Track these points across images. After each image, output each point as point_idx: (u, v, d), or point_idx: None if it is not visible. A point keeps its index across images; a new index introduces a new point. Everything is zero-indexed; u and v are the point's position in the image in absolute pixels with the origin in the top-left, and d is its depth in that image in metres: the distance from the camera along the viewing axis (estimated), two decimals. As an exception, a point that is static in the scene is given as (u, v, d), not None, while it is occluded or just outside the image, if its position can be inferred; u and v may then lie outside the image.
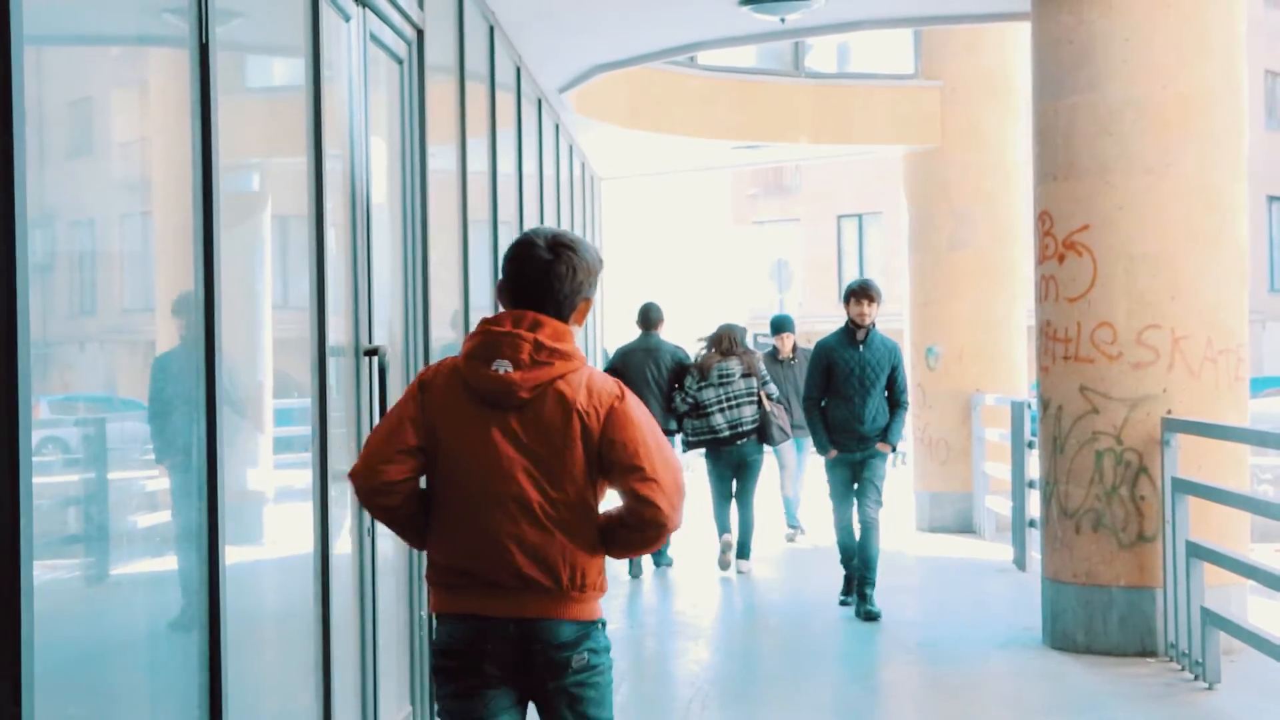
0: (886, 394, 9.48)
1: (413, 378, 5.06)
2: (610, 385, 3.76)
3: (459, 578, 3.73)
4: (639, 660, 8.59)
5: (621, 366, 11.28)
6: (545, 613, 3.71)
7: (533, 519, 3.67)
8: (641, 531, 3.73)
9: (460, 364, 3.74)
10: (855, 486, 9.53)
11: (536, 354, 3.69)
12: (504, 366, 3.68)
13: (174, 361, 3.73)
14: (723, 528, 11.28)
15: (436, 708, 3.88)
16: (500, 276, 3.86)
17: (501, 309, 3.84)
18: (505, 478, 3.67)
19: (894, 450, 9.68)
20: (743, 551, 11.31)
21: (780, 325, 13.21)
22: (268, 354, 4.64)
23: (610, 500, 3.78)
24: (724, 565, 11.22)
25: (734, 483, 11.22)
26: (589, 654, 3.80)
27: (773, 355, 12.95)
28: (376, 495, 3.75)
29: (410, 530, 3.84)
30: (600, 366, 14.36)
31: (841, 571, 9.82)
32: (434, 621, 3.85)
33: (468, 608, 3.72)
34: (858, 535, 9.51)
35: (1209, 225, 8.17)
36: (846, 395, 9.44)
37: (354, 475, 3.80)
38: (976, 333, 14.27)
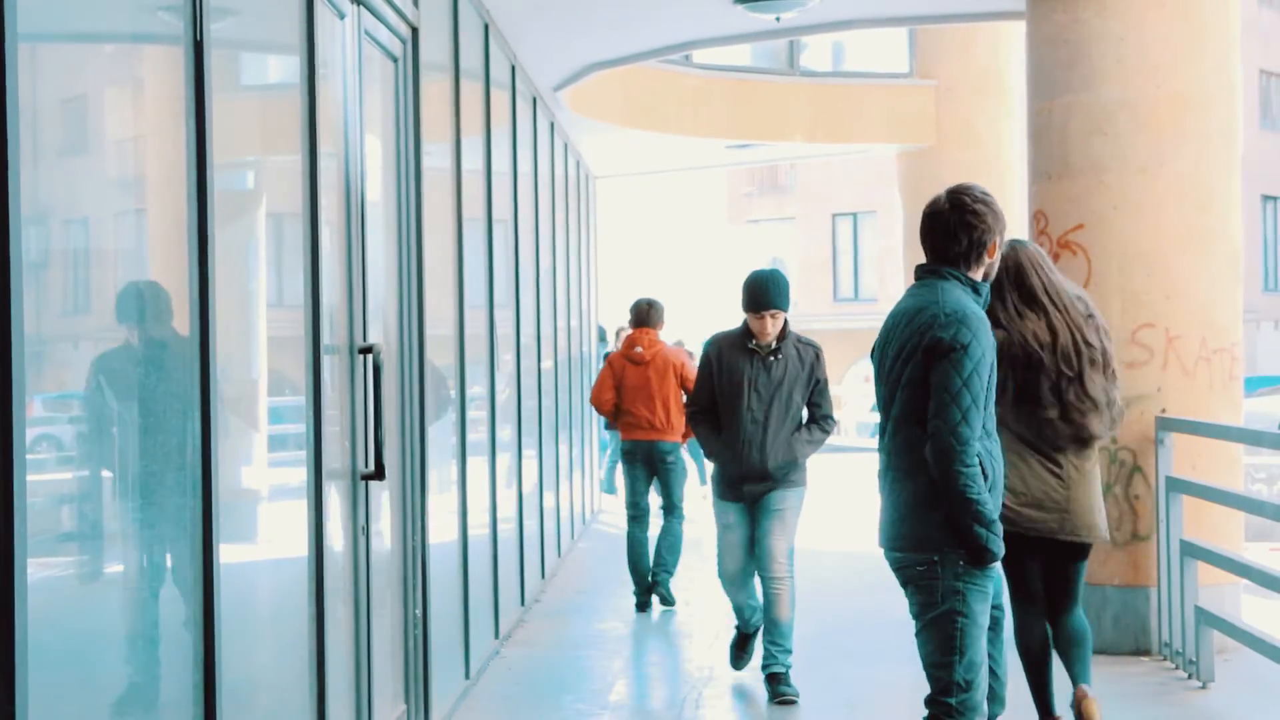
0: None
1: (407, 376, 6.36)
2: (679, 352, 10.12)
3: (630, 426, 9.69)
4: (639, 655, 8.59)
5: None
6: (659, 438, 9.67)
7: (656, 401, 9.61)
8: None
9: (622, 351, 9.81)
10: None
11: (650, 345, 9.75)
12: (639, 349, 9.74)
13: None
14: None
15: (622, 469, 10.01)
16: (631, 317, 10.06)
17: (631, 328, 10.03)
18: (645, 388, 9.64)
19: None
20: None
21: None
22: (262, 352, 4.64)
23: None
24: None
25: None
26: (672, 457, 9.72)
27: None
28: (602, 405, 9.79)
29: (611, 415, 9.81)
30: (597, 359, 15.67)
31: None
32: (620, 441, 10.03)
33: (632, 437, 9.71)
34: None
35: (1203, 225, 8.18)
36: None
37: (593, 400, 9.93)
38: (971, 332, 14.26)
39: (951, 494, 4.46)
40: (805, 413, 7.42)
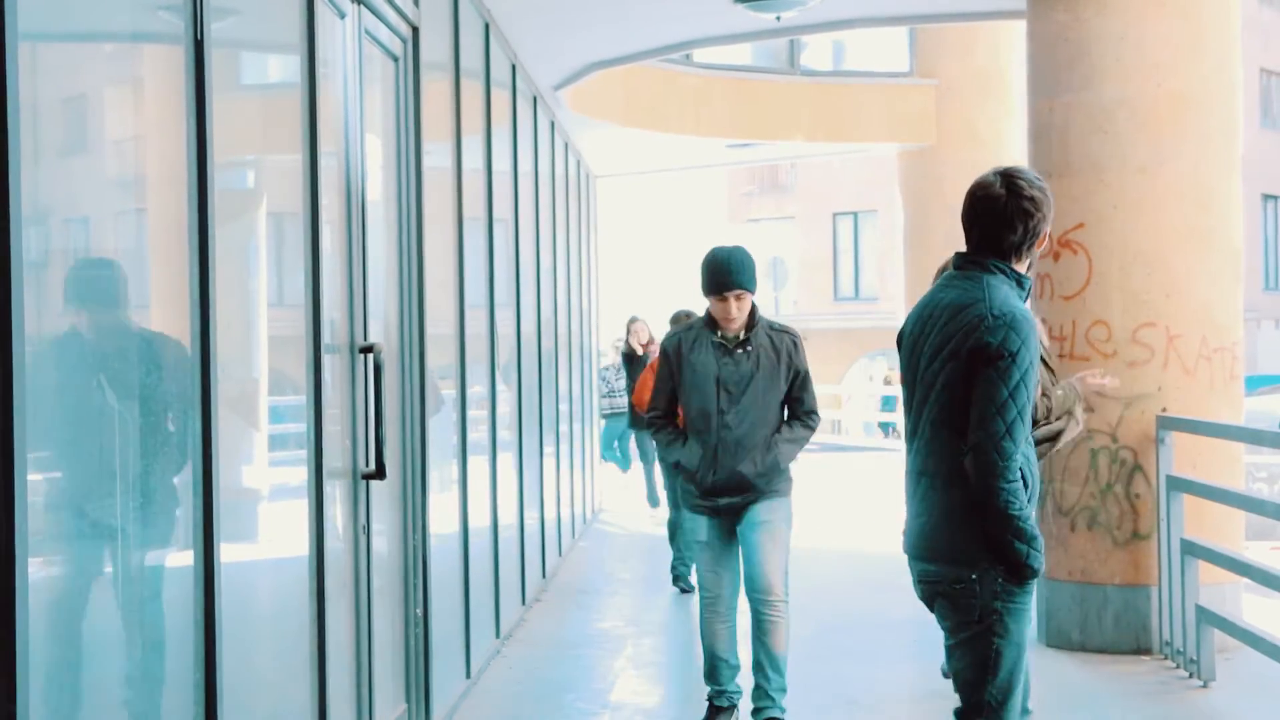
0: None
1: (408, 376, 6.29)
2: None
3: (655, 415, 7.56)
4: (640, 653, 8.59)
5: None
6: None
7: None
8: None
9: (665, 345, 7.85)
10: None
11: None
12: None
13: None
14: None
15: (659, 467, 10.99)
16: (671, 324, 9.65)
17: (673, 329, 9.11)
18: None
19: None
20: None
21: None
22: (263, 351, 4.64)
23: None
24: None
25: None
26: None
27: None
28: (644, 404, 8.95)
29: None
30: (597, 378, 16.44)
31: None
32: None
33: None
34: None
35: (1203, 224, 8.18)
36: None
37: (635, 399, 11.23)
38: (971, 331, 14.25)
39: (992, 509, 4.15)
40: (786, 410, 6.50)
